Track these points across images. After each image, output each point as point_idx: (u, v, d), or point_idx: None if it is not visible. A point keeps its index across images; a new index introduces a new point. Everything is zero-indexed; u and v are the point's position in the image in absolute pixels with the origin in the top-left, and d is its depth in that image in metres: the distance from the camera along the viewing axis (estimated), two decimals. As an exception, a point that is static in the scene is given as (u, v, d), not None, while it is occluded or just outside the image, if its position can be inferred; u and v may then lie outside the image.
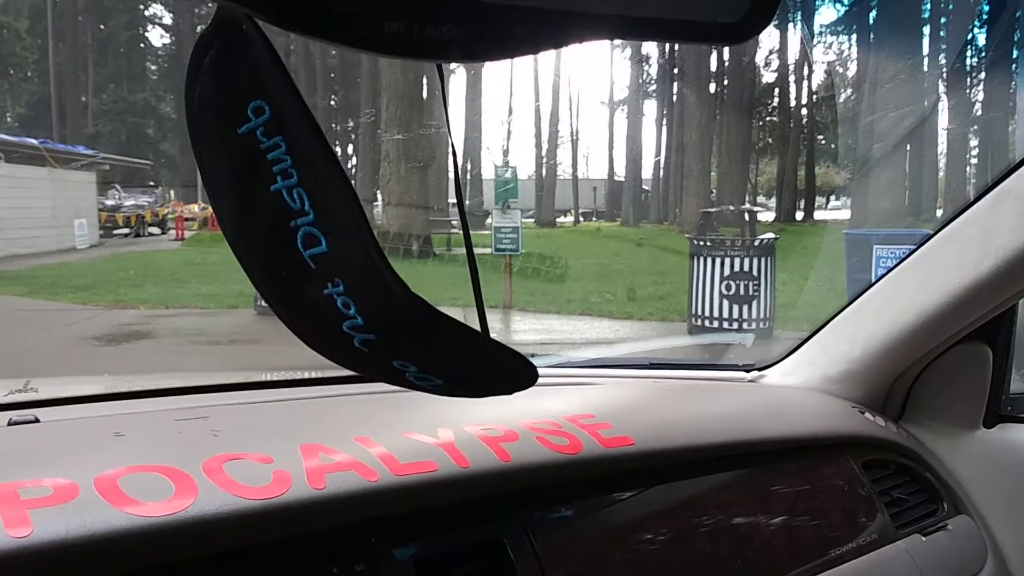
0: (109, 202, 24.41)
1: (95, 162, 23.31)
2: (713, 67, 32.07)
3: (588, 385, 1.48)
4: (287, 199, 0.55)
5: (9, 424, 1.00)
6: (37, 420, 1.02)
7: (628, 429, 1.17)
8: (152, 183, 32.96)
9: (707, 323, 8.27)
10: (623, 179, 39.42)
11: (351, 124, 46.61)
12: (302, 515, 0.85)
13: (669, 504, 1.18)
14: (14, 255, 15.61)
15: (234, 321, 9.10)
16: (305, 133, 0.55)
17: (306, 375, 1.41)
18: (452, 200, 33.46)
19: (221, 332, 8.52)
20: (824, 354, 1.71)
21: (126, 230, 24.26)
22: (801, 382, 1.71)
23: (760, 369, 1.81)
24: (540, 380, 1.39)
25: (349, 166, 47.20)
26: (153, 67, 49.70)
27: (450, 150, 0.82)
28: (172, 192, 35.33)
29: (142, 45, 48.21)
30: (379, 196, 30.85)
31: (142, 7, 47.42)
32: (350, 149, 49.71)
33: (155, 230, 26.52)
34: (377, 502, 0.90)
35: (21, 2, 40.17)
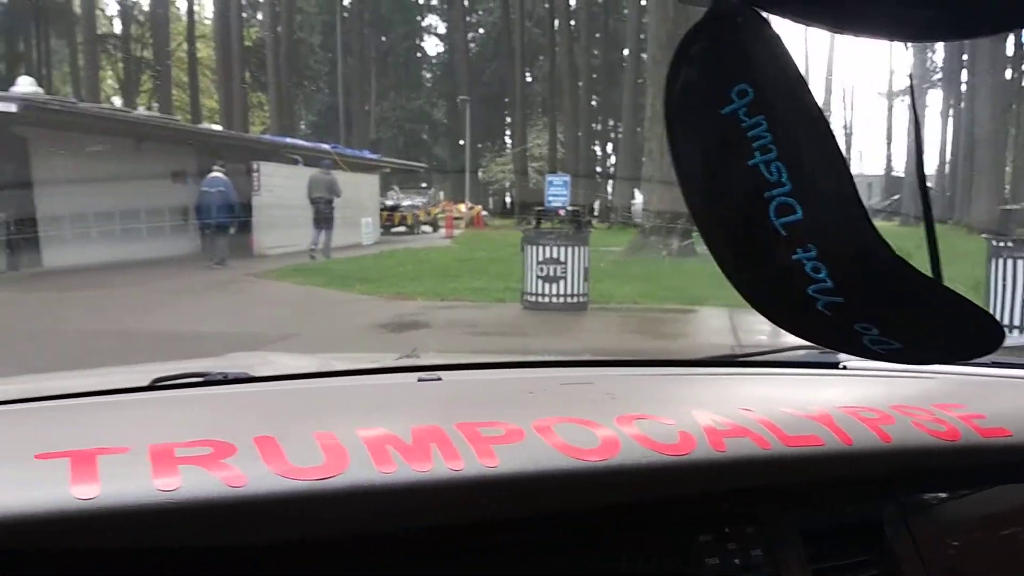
0: (389, 202, 26.32)
1: (378, 165, 25.23)
2: (1009, 51, 28.94)
3: (929, 378, 1.40)
4: (764, 172, 0.59)
5: (419, 381, 1.14)
6: (440, 379, 1.15)
7: (1003, 421, 1.14)
8: (424, 184, 35.10)
9: (1009, 332, 7.45)
10: (902, 175, 36.55)
11: (611, 123, 46.99)
12: (707, 474, 0.90)
13: None
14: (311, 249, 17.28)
15: (502, 314, 9.45)
16: (789, 110, 0.58)
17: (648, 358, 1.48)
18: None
19: (491, 324, 8.89)
20: None
21: (402, 228, 26.12)
22: None
23: None
24: (874, 371, 1.35)
25: (608, 165, 47.63)
26: (428, 75, 53.02)
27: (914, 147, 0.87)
28: (442, 193, 37.41)
29: (418, 55, 51.58)
30: (637, 194, 30.80)
31: (419, 18, 50.67)
32: (609, 147, 50.19)
33: (427, 228, 28.28)
34: (770, 470, 0.94)
35: (315, 19, 44.39)
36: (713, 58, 0.59)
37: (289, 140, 23.46)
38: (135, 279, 12.24)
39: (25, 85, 14.80)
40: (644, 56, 27.29)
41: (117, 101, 39.34)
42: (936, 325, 0.67)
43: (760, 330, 9.04)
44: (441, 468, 0.78)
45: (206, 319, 8.80)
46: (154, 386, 1.14)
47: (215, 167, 14.82)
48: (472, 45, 47.09)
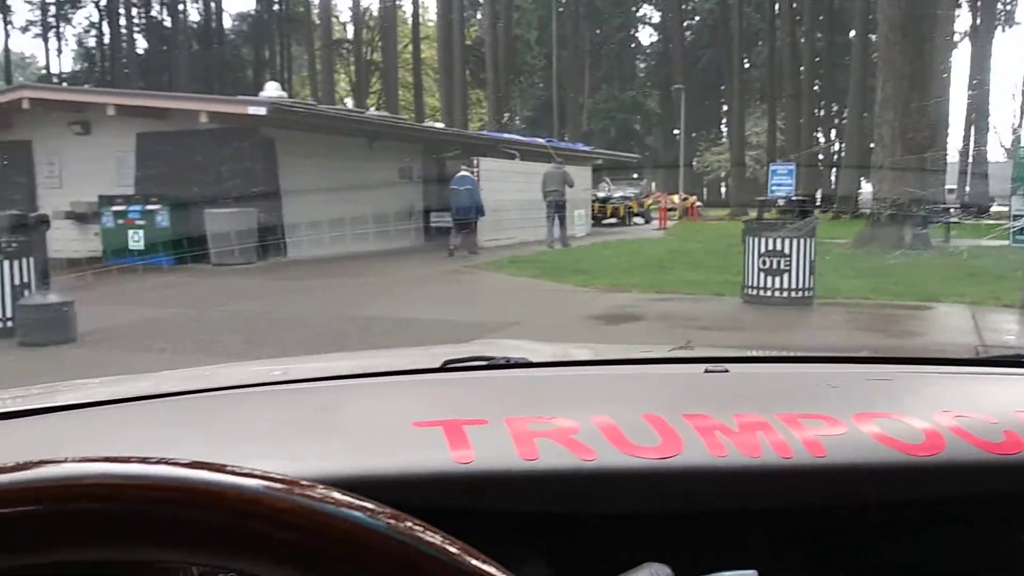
0: (600, 194, 26.39)
1: (590, 157, 25.39)
2: None
3: None
4: None
5: (705, 372, 1.16)
6: (727, 371, 1.15)
7: None
8: (636, 175, 34.92)
9: None
10: None
11: (835, 108, 44.61)
12: (961, 475, 0.87)
13: None
14: (524, 241, 17.72)
15: (721, 308, 9.25)
16: None
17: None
18: (950, 186, 30.32)
19: (709, 318, 8.72)
20: None
21: (613, 219, 26.09)
22: None
23: None
24: None
25: (832, 152, 45.26)
26: (641, 65, 52.70)
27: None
28: (654, 183, 37.07)
29: (632, 45, 51.36)
30: (864, 183, 29.05)
31: (633, 9, 50.41)
32: (833, 134, 47.67)
33: (639, 219, 28.09)
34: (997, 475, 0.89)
35: (532, 15, 45.29)
36: None
37: (506, 135, 24.13)
38: (366, 269, 13.10)
39: (271, 90, 16.21)
40: (873, 37, 25.67)
41: (349, 102, 42.09)
42: None
43: (1007, 328, 8.31)
44: (771, 456, 0.81)
45: (432, 307, 9.26)
46: (445, 368, 1.22)
47: (463, 167, 15.96)
48: (688, 33, 46.23)
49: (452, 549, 0.40)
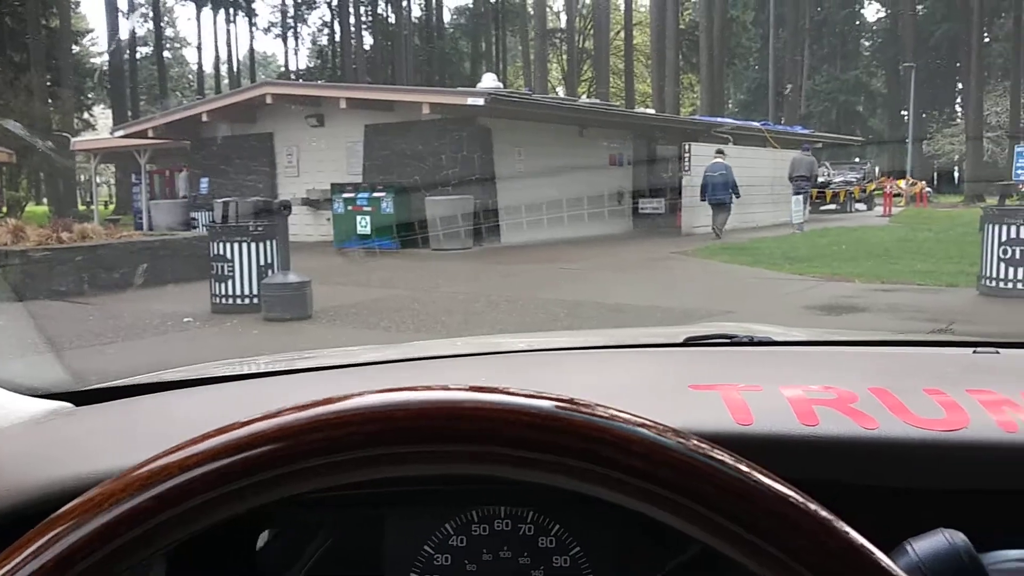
0: (819, 178, 25.14)
1: (808, 140, 24.26)
2: None
3: None
4: None
5: (974, 352, 1.11)
6: (998, 352, 1.11)
7: None
8: (858, 159, 32.97)
9: None
10: None
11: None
12: None
13: None
14: (736, 228, 17.27)
15: (955, 300, 8.62)
16: None
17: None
18: None
19: (942, 309, 8.15)
20: None
21: (833, 205, 24.78)
22: None
23: None
24: None
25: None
26: (866, 43, 49.61)
27: None
28: (878, 168, 34.86)
29: (857, 23, 48.43)
30: None
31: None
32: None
33: (861, 206, 26.51)
34: None
35: (749, -3, 43.80)
36: None
37: (718, 119, 23.56)
38: (576, 254, 13.28)
39: (488, 81, 16.74)
40: None
41: (561, 91, 42.63)
42: None
43: None
44: None
45: (641, 293, 9.26)
46: (687, 343, 1.23)
47: (716, 154, 16.67)
48: (920, 7, 42.98)
49: (784, 489, 0.43)
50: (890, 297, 8.81)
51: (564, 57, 48.07)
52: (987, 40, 39.02)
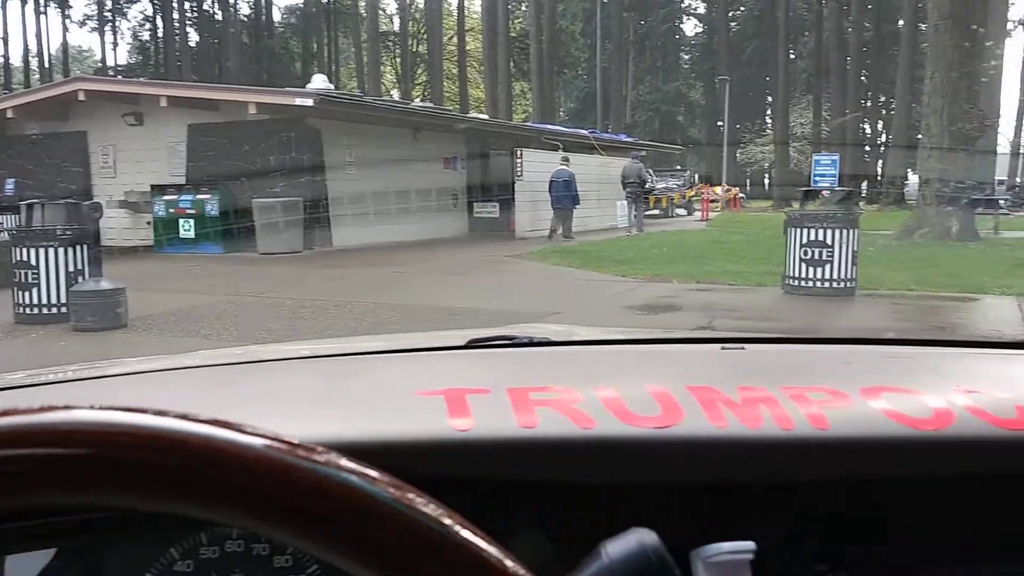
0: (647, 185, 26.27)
1: (632, 148, 25.30)
2: None
3: None
4: None
5: (721, 349, 1.18)
6: (743, 348, 1.17)
7: None
8: (679, 167, 34.69)
9: None
10: None
11: (882, 99, 43.84)
12: (970, 451, 0.85)
13: None
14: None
15: (762, 298, 9.24)
16: None
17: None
18: (1000, 177, 29.59)
19: (749, 308, 8.73)
20: None
21: (656, 211, 25.97)
22: None
23: None
24: None
25: (878, 143, 44.49)
26: (686, 57, 52.28)
27: None
28: (697, 175, 36.80)
29: (677, 37, 50.94)
30: (911, 174, 28.56)
31: (679, 0, 49.94)
32: (880, 125, 46.86)
33: (681, 211, 27.92)
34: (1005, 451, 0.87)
35: (576, 6, 45.16)
36: None
37: (549, 127, 24.16)
38: (410, 258, 13.27)
39: (318, 82, 16.46)
40: (922, 27, 25.21)
41: (395, 94, 42.40)
42: None
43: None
44: (772, 427, 0.80)
45: (475, 296, 9.38)
46: (469, 346, 1.24)
47: (561, 161, 17.52)
48: (733, 24, 45.76)
49: (447, 520, 0.40)
50: (704, 296, 9.34)
51: (398, 60, 47.87)
52: (793, 57, 42.05)
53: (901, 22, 35.02)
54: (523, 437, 0.76)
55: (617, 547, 0.52)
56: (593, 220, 19.01)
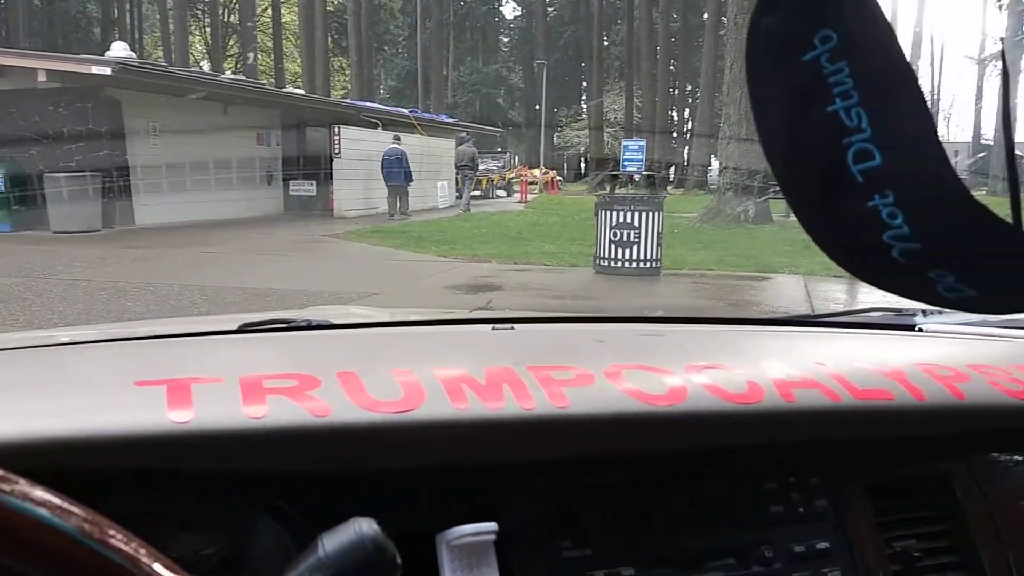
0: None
1: (453, 129, 25.37)
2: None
3: (1009, 341, 1.34)
4: (844, 118, 0.58)
5: (492, 329, 1.17)
6: (513, 328, 1.18)
7: None
8: (500, 149, 35.12)
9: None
10: (991, 141, 35.13)
11: (688, 88, 46.19)
12: (774, 424, 0.89)
13: None
14: (387, 211, 17.63)
15: (575, 278, 9.54)
16: (873, 55, 0.57)
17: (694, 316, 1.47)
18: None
19: (563, 287, 9.00)
20: None
21: (477, 192, 26.18)
22: None
23: None
24: (952, 334, 1.34)
25: (684, 130, 46.88)
26: (505, 40, 52.83)
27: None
28: (517, 157, 37.41)
29: (496, 19, 51.37)
30: (714, 160, 30.33)
31: (498, -18, 50.30)
32: (686, 113, 49.38)
33: (502, 192, 28.30)
34: (838, 422, 0.92)
35: (396, -16, 44.53)
36: (799, 4, 0.58)
37: (368, 104, 23.79)
38: (221, 237, 12.71)
39: (118, 50, 15.37)
40: (724, 19, 26.75)
41: (205, 65, 40.35)
42: (1012, 273, 0.65)
43: (835, 298, 8.94)
44: (513, 407, 0.81)
45: (289, 277, 9.13)
46: (242, 330, 1.19)
47: (393, 140, 17.92)
48: (550, 9, 46.69)
49: (141, 554, 0.38)
50: (521, 276, 9.54)
51: (208, 30, 45.55)
52: (606, 44, 43.48)
53: (706, 15, 37.00)
54: (247, 428, 0.72)
55: (333, 540, 0.52)
56: (415, 200, 18.92)
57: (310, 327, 1.20)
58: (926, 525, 1.00)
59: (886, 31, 0.57)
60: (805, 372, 0.95)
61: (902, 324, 1.41)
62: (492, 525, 0.75)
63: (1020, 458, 1.08)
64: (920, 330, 1.36)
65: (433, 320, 1.45)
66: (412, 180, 17.83)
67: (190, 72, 20.19)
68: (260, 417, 0.73)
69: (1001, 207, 0.59)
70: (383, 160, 17.40)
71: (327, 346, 1.12)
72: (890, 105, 0.57)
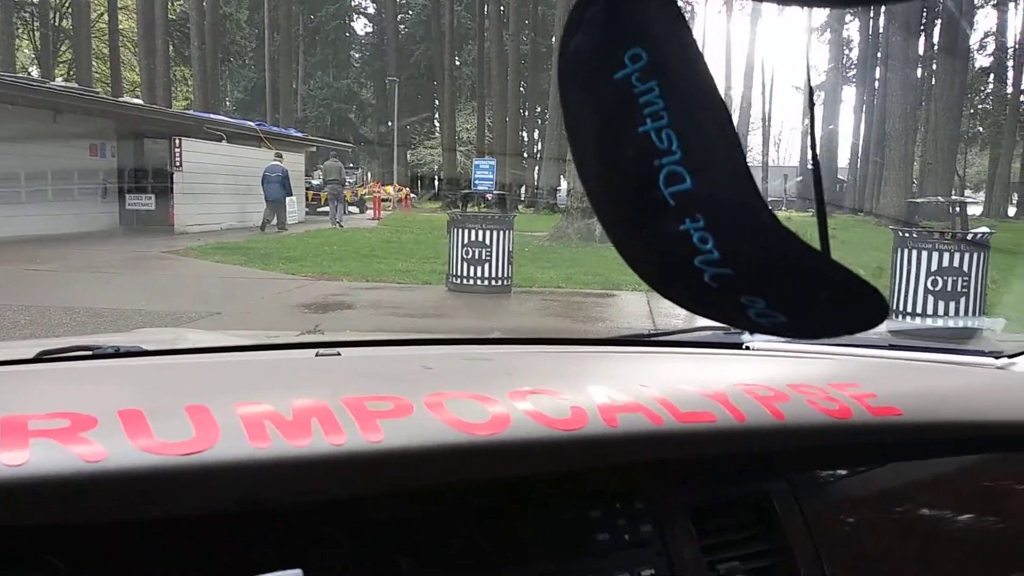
0: (315, 182, 25.92)
1: (303, 143, 24.86)
2: (921, 50, 30.05)
3: (829, 358, 1.43)
4: (654, 139, 0.57)
5: (316, 356, 1.13)
6: (339, 354, 1.14)
7: (894, 401, 1.14)
8: (352, 165, 34.68)
9: (908, 319, 7.87)
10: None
11: (538, 109, 47.16)
12: (597, 449, 0.89)
13: (937, 477, 1.17)
14: (232, 227, 17.04)
15: (427, 296, 9.52)
16: (682, 76, 0.56)
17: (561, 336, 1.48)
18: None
19: (415, 305, 8.96)
20: None
21: (327, 207, 25.72)
22: None
23: (1010, 357, 1.71)
24: (777, 351, 1.42)
25: (535, 151, 47.81)
26: (356, 55, 52.32)
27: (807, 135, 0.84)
28: (369, 174, 37.06)
29: (347, 34, 50.82)
30: (563, 180, 31.06)
31: (349, -3, 49.79)
32: (536, 134, 50.37)
33: (354, 209, 27.90)
34: (661, 445, 0.94)
35: (242, -6, 43.30)
36: (608, 21, 0.57)
37: (212, 116, 22.96)
38: (49, 254, 11.91)
39: (-68, 50, 14.20)
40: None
41: (34, 72, 37.86)
42: (820, 298, 0.65)
43: (676, 314, 9.32)
44: (321, 443, 0.77)
45: (126, 296, 8.66)
46: (40, 359, 1.10)
47: (275, 157, 18.57)
48: (401, 27, 46.66)
49: None
50: (374, 295, 9.42)
51: (37, 35, 42.77)
52: (458, 63, 43.84)
53: (554, 39, 37.95)
54: (9, 477, 0.66)
55: None
56: (259, 216, 18.40)
57: (117, 354, 1.12)
58: (748, 546, 1.02)
59: (695, 54, 0.56)
60: (630, 396, 0.96)
61: (730, 343, 1.46)
62: (297, 572, 0.71)
63: (838, 473, 1.13)
64: (747, 348, 1.42)
65: (257, 345, 1.39)
66: (292, 195, 18.80)
67: (14, 78, 18.87)
68: (19, 464, 0.66)
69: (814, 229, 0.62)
70: (264, 176, 17.86)
71: (129, 377, 1.04)
72: (699, 128, 0.57)
